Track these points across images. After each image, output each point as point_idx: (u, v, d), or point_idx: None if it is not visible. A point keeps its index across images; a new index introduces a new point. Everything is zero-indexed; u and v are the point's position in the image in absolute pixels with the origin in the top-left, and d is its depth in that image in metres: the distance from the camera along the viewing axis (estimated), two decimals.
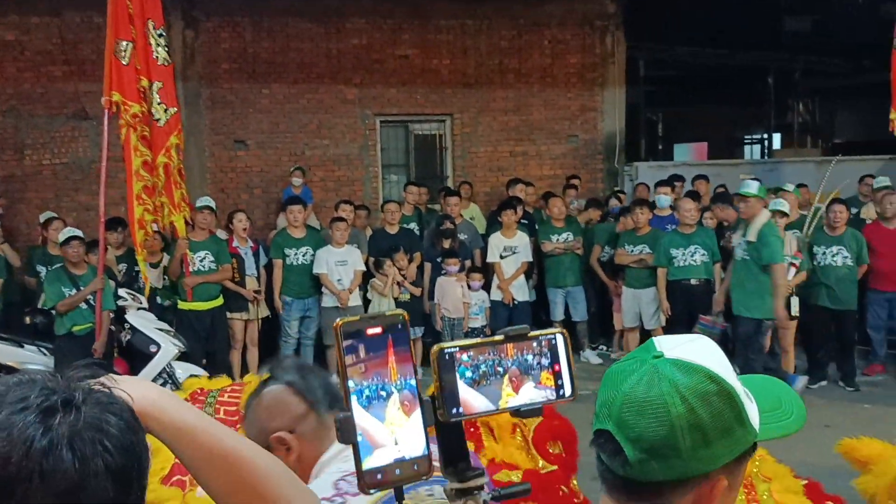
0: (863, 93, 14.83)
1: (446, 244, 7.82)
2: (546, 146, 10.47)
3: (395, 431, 0.84)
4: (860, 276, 7.11)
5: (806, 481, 2.39)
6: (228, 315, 7.24)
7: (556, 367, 0.93)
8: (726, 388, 0.93)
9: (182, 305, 6.92)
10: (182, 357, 6.39)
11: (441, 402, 0.87)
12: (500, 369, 0.90)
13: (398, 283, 7.57)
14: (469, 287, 7.67)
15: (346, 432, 0.82)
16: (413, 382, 0.86)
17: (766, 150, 16.28)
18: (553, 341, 0.93)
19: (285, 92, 9.90)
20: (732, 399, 0.93)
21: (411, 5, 10.01)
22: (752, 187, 6.48)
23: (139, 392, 0.90)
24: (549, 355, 0.93)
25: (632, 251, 7.51)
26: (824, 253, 7.01)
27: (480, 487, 0.91)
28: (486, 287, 7.82)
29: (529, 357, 0.92)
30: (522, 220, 8.14)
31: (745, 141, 17.67)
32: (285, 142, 9.95)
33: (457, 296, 7.59)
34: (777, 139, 16.28)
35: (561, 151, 10.54)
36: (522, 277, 7.84)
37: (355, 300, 7.45)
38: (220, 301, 7.06)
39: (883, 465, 2.69)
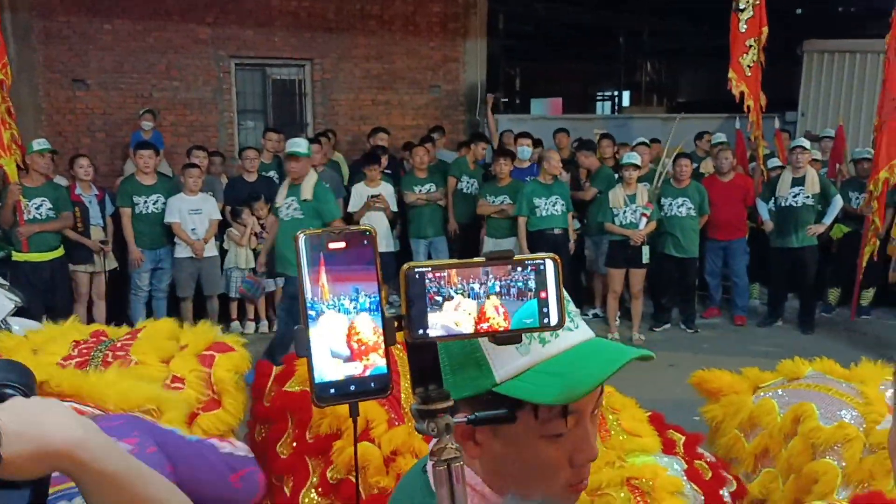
0: (704, 54, 15.72)
1: None
2: (409, 96, 10.38)
3: (356, 348, 0.81)
4: (701, 225, 7.60)
5: (650, 413, 2.54)
6: (71, 267, 6.74)
7: (543, 294, 0.88)
8: None
9: (17, 257, 6.36)
10: (19, 312, 5.87)
11: (407, 321, 0.83)
12: (480, 293, 0.86)
13: (256, 234, 7.31)
14: None
15: (301, 345, 0.80)
16: (376, 299, 0.82)
17: (616, 107, 16.98)
18: (542, 266, 0.89)
19: (130, 28, 9.19)
20: (473, 342, 0.95)
21: None
22: (302, 146, 6.02)
23: (61, 431, 0.78)
24: (535, 281, 0.88)
25: (493, 202, 7.63)
26: (671, 204, 7.42)
27: (445, 410, 0.88)
28: None
29: (512, 282, 0.88)
30: (386, 171, 8.06)
31: (597, 98, 18.34)
32: (131, 83, 9.27)
33: None
34: (626, 97, 17.01)
35: (423, 101, 10.48)
36: (387, 226, 7.80)
37: (210, 250, 7.14)
38: (60, 252, 6.55)
39: (732, 396, 2.89)
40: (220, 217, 7.26)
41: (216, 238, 7.25)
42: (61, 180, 7.15)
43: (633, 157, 7.19)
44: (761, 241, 7.76)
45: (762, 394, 2.80)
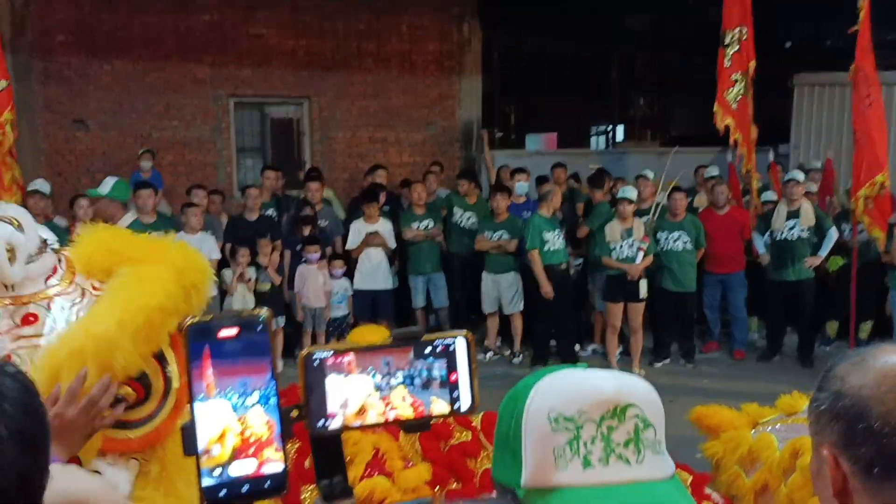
0: (696, 88, 15.90)
1: (307, 231, 7.65)
2: (405, 133, 10.47)
3: (247, 445, 0.76)
4: (698, 259, 7.63)
5: None
6: None
7: (453, 377, 0.84)
8: (518, 425, 0.86)
9: None
10: None
11: (307, 411, 0.80)
12: (383, 384, 0.81)
13: (255, 275, 7.27)
14: (331, 275, 7.55)
15: (189, 443, 0.75)
16: (270, 391, 0.77)
17: (610, 141, 17.12)
18: (451, 347, 0.84)
19: (129, 69, 9.29)
20: (517, 425, 0.86)
21: None
22: (106, 186, 6.55)
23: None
24: (445, 362, 0.84)
25: (491, 237, 7.66)
26: (667, 238, 7.46)
27: None
28: (349, 274, 7.73)
29: (415, 372, 0.83)
30: (384, 207, 8.10)
31: (592, 132, 18.50)
32: (130, 122, 9.35)
33: (318, 284, 7.44)
34: (620, 131, 17.17)
35: (420, 138, 10.57)
36: (385, 264, 7.82)
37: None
38: None
39: (732, 431, 2.89)
40: (219, 256, 7.27)
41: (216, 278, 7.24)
42: (61, 221, 7.17)
43: (628, 192, 7.24)
44: (759, 274, 7.78)
45: (761, 429, 2.80)
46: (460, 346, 0.85)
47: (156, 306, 1.58)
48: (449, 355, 0.84)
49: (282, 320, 7.40)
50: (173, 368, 1.65)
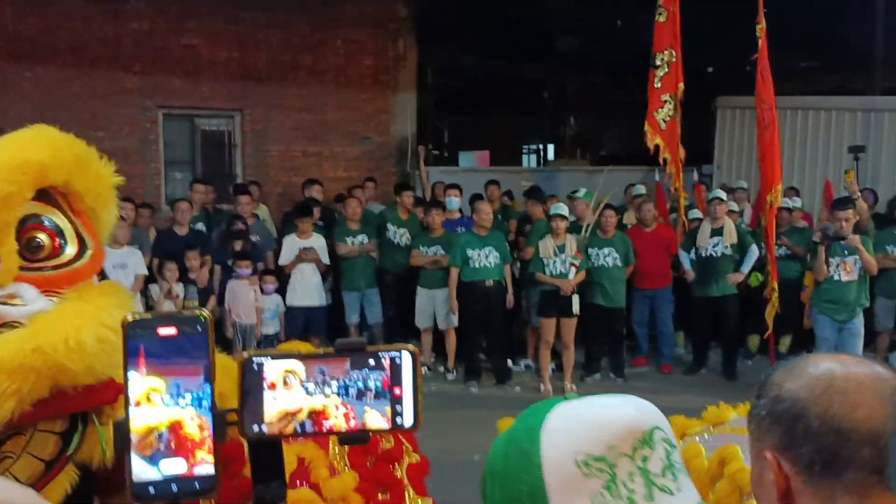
0: (625, 109, 16.34)
1: (238, 246, 7.52)
2: (340, 147, 10.42)
3: (179, 445, 0.77)
4: (628, 275, 7.81)
5: None
6: None
7: (397, 391, 0.82)
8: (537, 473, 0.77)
9: None
10: None
11: (240, 416, 0.79)
12: (326, 387, 0.81)
13: (184, 291, 7.10)
14: (262, 291, 7.43)
15: (120, 439, 0.76)
16: (204, 394, 0.78)
17: (541, 160, 17.42)
18: (397, 360, 0.82)
19: (53, 76, 8.99)
20: (541, 492, 0.77)
21: None
22: None
23: None
24: (384, 375, 0.82)
25: (426, 252, 7.68)
26: (597, 254, 7.61)
27: None
28: (280, 291, 7.63)
29: (351, 382, 0.81)
30: (318, 223, 8.03)
31: (524, 150, 18.79)
32: None
33: (249, 300, 7.31)
34: (551, 149, 17.49)
35: (355, 153, 10.54)
36: (318, 280, 7.74)
37: (136, 306, 6.94)
38: None
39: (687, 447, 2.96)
40: (146, 272, 7.08)
41: (142, 294, 7.05)
42: None
43: (560, 208, 7.37)
44: (685, 290, 8.01)
45: (689, 439, 2.88)
46: (406, 360, 0.83)
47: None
48: (394, 369, 0.83)
49: None
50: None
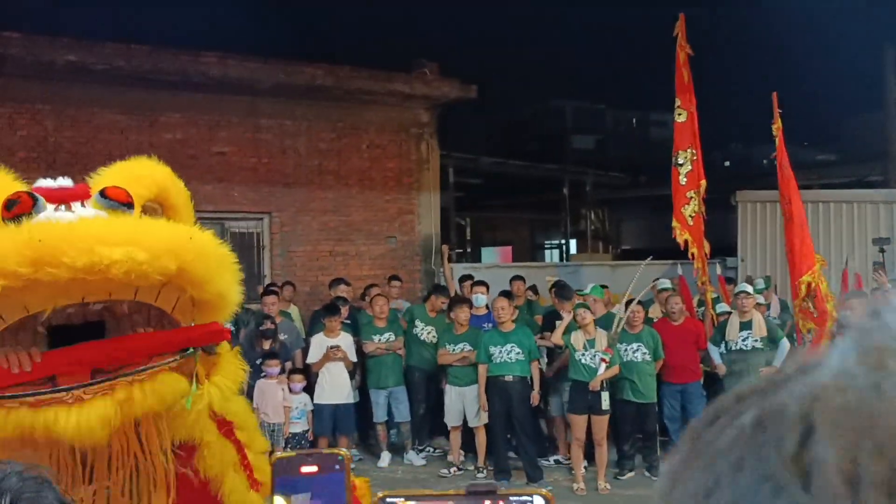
0: (642, 204, 16.55)
1: (266, 345, 7.57)
2: (366, 246, 10.61)
3: None
4: (657, 370, 7.72)
5: None
6: None
7: None
8: None
9: None
10: None
11: None
12: None
13: None
14: (290, 390, 7.42)
15: None
16: None
17: (563, 255, 17.54)
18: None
19: None
20: None
21: (229, 103, 9.95)
22: None
23: None
24: None
25: (453, 350, 7.67)
26: (626, 349, 7.56)
27: None
28: (308, 388, 7.61)
29: None
30: (345, 321, 8.09)
31: (545, 246, 18.96)
32: None
33: (277, 399, 7.30)
34: (573, 244, 17.64)
35: (380, 252, 10.71)
36: (346, 377, 7.73)
37: None
38: None
39: None
40: None
41: None
42: None
43: (585, 302, 7.39)
44: (717, 385, 7.89)
45: None
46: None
47: None
48: None
49: None
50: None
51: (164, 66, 9.24)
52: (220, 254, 1.74)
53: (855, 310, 6.63)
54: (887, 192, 11.14)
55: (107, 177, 1.88)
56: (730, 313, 8.06)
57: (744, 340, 7.58)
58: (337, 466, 0.81)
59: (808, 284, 7.46)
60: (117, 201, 1.71)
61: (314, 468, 0.80)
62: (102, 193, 1.73)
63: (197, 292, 1.68)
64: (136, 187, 1.79)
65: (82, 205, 1.75)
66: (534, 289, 9.59)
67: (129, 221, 1.67)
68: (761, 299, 8.59)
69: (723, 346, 7.76)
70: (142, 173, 1.89)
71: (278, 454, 0.81)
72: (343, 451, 0.82)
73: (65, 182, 1.84)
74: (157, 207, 1.89)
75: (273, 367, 7.33)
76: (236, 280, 1.80)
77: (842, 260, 9.96)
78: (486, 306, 8.45)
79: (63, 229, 1.55)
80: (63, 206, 1.75)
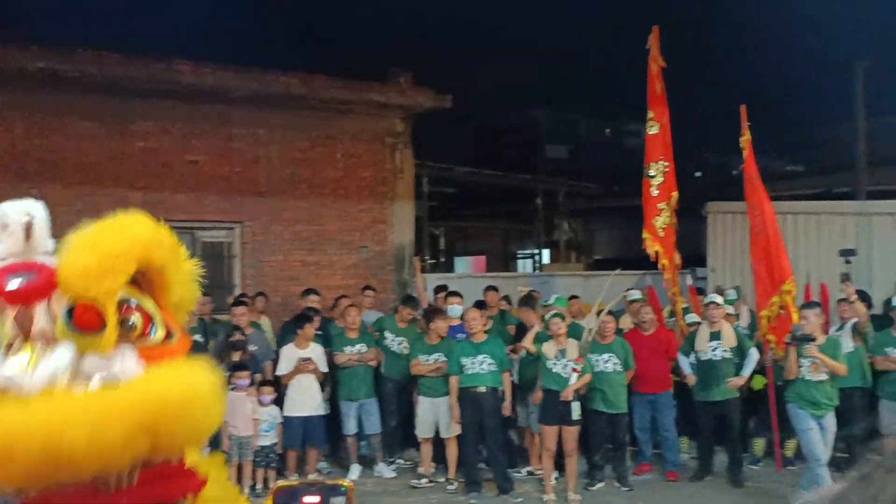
0: (615, 213, 16.66)
1: (236, 356, 7.50)
2: (338, 256, 10.57)
3: None
4: (628, 380, 7.76)
5: None
6: None
7: None
8: None
9: None
10: None
11: None
12: None
13: None
14: (259, 402, 7.36)
15: None
16: None
17: (536, 265, 17.61)
18: None
19: (60, 193, 9.16)
20: None
21: (202, 111, 9.88)
22: None
23: None
24: None
25: (426, 360, 7.66)
26: (597, 360, 7.60)
27: None
28: (277, 401, 7.55)
29: None
30: (317, 331, 8.04)
31: (519, 256, 19.02)
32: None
33: (246, 412, 7.23)
34: (546, 254, 17.71)
35: (352, 262, 10.68)
36: (316, 389, 7.68)
37: None
38: None
39: None
40: None
41: None
42: None
43: (560, 312, 7.40)
44: (687, 395, 7.95)
45: None
46: None
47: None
48: None
49: (206, 451, 7.09)
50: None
51: (137, 74, 9.15)
52: (201, 396, 1.63)
53: (808, 320, 6.74)
54: (855, 203, 11.33)
55: (78, 260, 1.63)
56: (699, 323, 8.13)
57: (713, 350, 7.65)
58: (340, 497, 0.82)
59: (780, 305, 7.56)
60: (87, 329, 1.60)
61: (316, 498, 0.82)
62: (70, 313, 1.60)
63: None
64: (113, 276, 1.61)
65: (48, 303, 1.61)
66: (507, 299, 9.62)
67: (91, 405, 1.51)
68: (731, 310, 8.69)
69: (692, 356, 7.82)
70: (120, 250, 1.64)
71: (280, 483, 0.81)
72: (346, 481, 0.83)
73: (28, 277, 1.62)
74: (138, 278, 1.74)
75: (243, 378, 7.27)
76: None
77: (807, 272, 10.11)
78: (461, 317, 8.45)
79: (17, 420, 1.44)
80: (24, 307, 1.60)
